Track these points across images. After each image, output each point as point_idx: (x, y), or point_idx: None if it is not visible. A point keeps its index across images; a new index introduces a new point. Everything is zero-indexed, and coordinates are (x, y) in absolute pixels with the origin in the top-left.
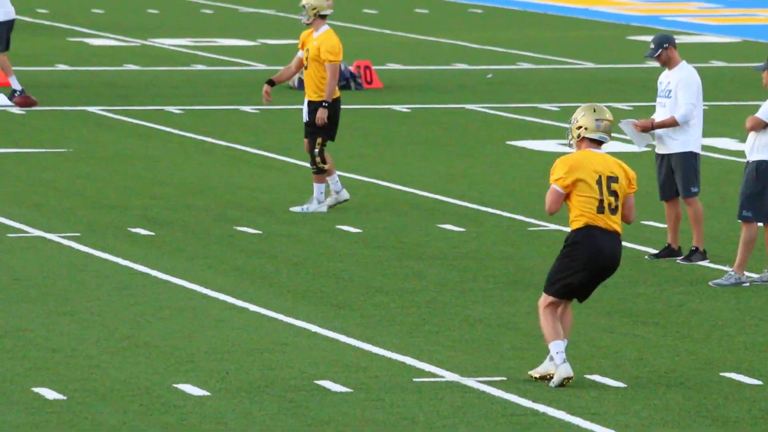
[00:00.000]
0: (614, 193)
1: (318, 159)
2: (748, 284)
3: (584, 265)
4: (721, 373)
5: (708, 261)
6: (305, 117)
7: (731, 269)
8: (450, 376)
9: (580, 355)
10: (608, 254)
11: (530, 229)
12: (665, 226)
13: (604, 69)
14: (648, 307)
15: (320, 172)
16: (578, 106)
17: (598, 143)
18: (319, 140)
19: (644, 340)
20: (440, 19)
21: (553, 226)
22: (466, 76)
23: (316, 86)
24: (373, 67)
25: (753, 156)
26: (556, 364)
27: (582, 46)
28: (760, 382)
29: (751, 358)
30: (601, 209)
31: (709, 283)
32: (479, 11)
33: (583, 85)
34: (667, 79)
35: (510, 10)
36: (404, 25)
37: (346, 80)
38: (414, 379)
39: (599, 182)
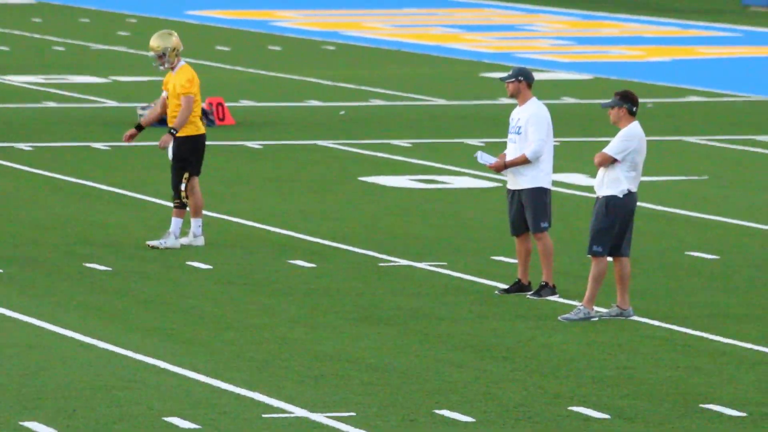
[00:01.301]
0: None
1: (183, 193)
2: (596, 319)
3: None
4: (569, 407)
5: (557, 296)
6: (170, 154)
7: (580, 304)
8: (299, 412)
9: (429, 389)
10: None
11: (381, 264)
12: (516, 261)
13: (455, 105)
14: (497, 341)
15: (182, 207)
16: (431, 143)
17: None
18: (185, 174)
19: (493, 375)
20: (293, 56)
21: (403, 262)
22: (318, 113)
23: None
24: (226, 104)
25: (602, 191)
26: None
27: (434, 82)
28: (607, 416)
29: (598, 392)
30: None
31: (559, 317)
32: (332, 48)
33: (435, 120)
34: (518, 115)
35: (362, 47)
36: (257, 62)
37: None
38: (263, 415)
39: None
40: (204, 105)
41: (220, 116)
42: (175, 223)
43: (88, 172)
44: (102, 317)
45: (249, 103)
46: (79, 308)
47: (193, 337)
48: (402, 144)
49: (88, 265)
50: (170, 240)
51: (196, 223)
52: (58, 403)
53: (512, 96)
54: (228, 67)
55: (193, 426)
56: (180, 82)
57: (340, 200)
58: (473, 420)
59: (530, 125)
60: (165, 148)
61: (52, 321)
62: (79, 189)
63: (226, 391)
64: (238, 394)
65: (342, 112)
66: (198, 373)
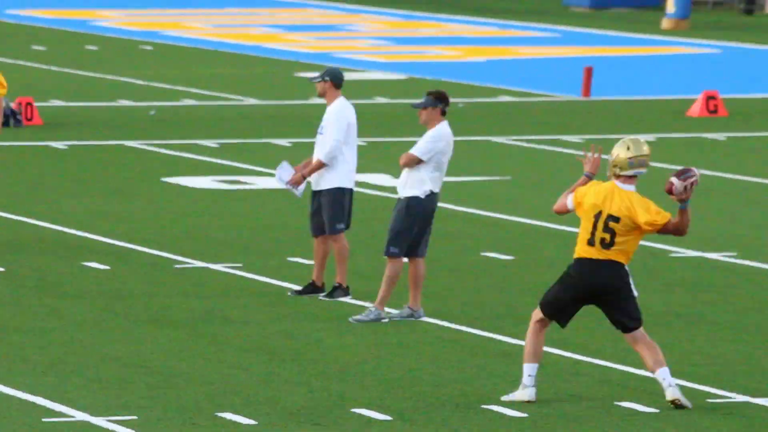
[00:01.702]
0: (610, 230)
1: None
2: (387, 320)
3: (569, 288)
4: (353, 409)
5: (350, 297)
6: None
7: (372, 305)
8: (80, 416)
9: (213, 392)
10: (593, 280)
11: (176, 266)
12: (312, 262)
13: (267, 105)
14: (286, 344)
15: None
16: (238, 143)
17: (633, 177)
18: None
19: (280, 378)
20: (109, 55)
21: (199, 264)
22: (129, 113)
23: None
24: (36, 104)
25: (405, 192)
26: (525, 385)
27: (248, 82)
28: (389, 417)
29: (383, 394)
30: (591, 243)
31: (350, 319)
32: (149, 48)
33: (245, 121)
34: (325, 115)
35: (180, 47)
36: (72, 61)
37: (6, 117)
38: (43, 419)
39: (597, 217)
40: (13, 105)
41: (28, 116)
42: None
43: None
44: None
45: (59, 103)
46: None
47: None
48: (209, 144)
49: None
50: None
51: None
52: None
53: (320, 96)
54: (43, 66)
55: None
56: None
57: (142, 202)
58: (255, 423)
59: (330, 125)
60: None
61: None
62: None
63: (7, 395)
64: (20, 399)
65: (152, 112)
66: None
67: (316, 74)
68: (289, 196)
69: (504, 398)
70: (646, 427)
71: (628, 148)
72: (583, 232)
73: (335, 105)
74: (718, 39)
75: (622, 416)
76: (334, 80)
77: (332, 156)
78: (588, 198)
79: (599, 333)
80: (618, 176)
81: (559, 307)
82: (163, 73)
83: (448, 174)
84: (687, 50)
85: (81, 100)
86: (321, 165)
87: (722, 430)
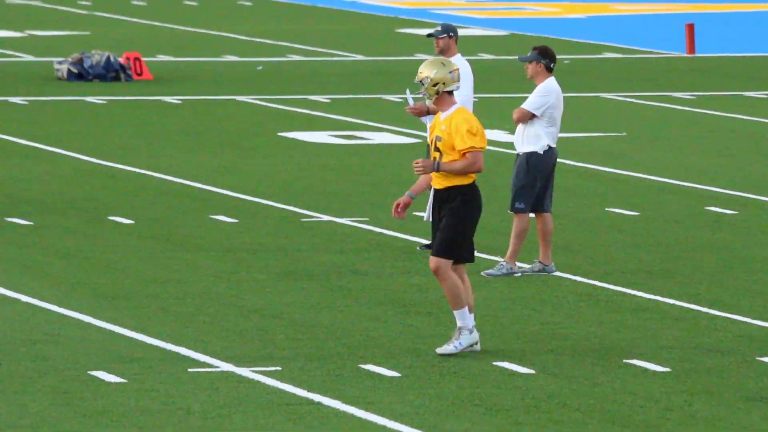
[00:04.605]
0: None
1: None
2: (519, 275)
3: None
4: (494, 362)
5: (480, 252)
6: None
7: (503, 260)
8: (224, 366)
9: (354, 344)
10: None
11: (303, 220)
12: None
13: (372, 61)
14: (421, 297)
15: None
16: (349, 98)
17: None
18: None
19: (418, 330)
20: (209, 11)
21: (325, 218)
22: (236, 68)
23: None
24: (143, 59)
25: (522, 148)
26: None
27: (351, 38)
28: (532, 371)
29: (522, 347)
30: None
31: (482, 273)
32: (248, 4)
33: (352, 77)
34: None
35: (279, 2)
36: (173, 17)
37: (116, 72)
38: (188, 370)
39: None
40: (121, 59)
41: (138, 71)
42: None
43: (6, 126)
44: (24, 272)
45: (166, 58)
46: (1, 263)
47: (117, 292)
48: (321, 99)
49: (8, 219)
50: None
51: None
52: None
53: (441, 52)
54: (144, 21)
55: (118, 380)
56: None
57: (260, 155)
58: (399, 375)
59: (463, 82)
60: None
61: None
62: None
63: (150, 345)
64: (164, 349)
65: (259, 67)
66: (122, 327)
67: (435, 30)
68: (404, 150)
69: (438, 350)
70: None
71: (443, 64)
72: None
73: (457, 60)
74: None
75: (766, 371)
76: (456, 37)
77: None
78: None
79: (732, 288)
80: (443, 95)
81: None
82: (267, 28)
83: (564, 130)
84: None
85: (187, 55)
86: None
87: None
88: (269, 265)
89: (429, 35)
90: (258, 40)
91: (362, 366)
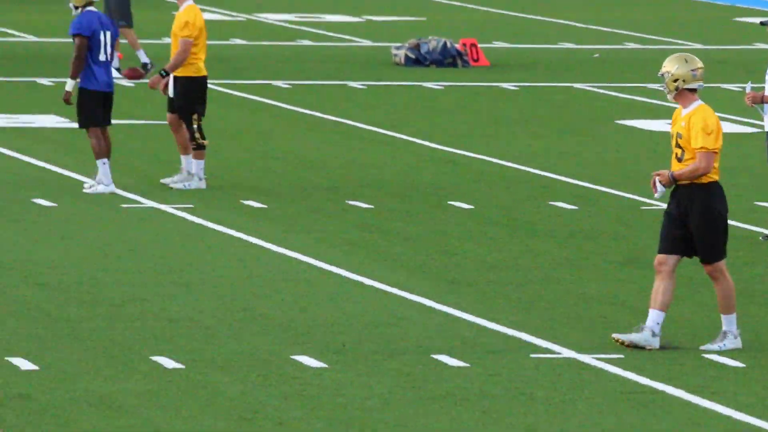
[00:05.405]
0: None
1: (197, 135)
2: None
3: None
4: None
5: None
6: (170, 93)
7: None
8: (567, 353)
9: (695, 333)
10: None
11: (643, 208)
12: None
13: (711, 50)
14: (764, 287)
15: (200, 148)
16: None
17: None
18: (194, 116)
19: (761, 321)
20: None
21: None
22: (573, 56)
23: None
24: (479, 45)
25: None
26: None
27: (687, 27)
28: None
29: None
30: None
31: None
32: None
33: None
34: None
35: None
36: (507, 3)
37: (453, 58)
38: (531, 355)
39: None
40: (458, 46)
41: (475, 57)
42: (197, 165)
43: (346, 110)
44: (366, 254)
45: (502, 45)
46: (343, 245)
47: (457, 276)
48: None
49: (350, 202)
50: (194, 182)
51: (186, 160)
52: (327, 338)
53: None
54: (480, 8)
55: (461, 364)
56: (177, 24)
57: (598, 143)
58: (743, 365)
59: None
60: (154, 88)
61: (316, 257)
62: (337, 126)
63: (492, 330)
64: (505, 334)
65: (596, 55)
66: (463, 312)
67: None
68: (745, 140)
69: (617, 336)
70: None
71: (686, 61)
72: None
73: None
74: None
75: None
76: None
77: None
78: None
79: None
80: (682, 92)
81: (662, 236)
82: (602, 16)
83: None
84: None
85: (523, 42)
86: None
87: None
88: (609, 252)
89: (762, 23)
90: (594, 27)
91: (706, 355)
